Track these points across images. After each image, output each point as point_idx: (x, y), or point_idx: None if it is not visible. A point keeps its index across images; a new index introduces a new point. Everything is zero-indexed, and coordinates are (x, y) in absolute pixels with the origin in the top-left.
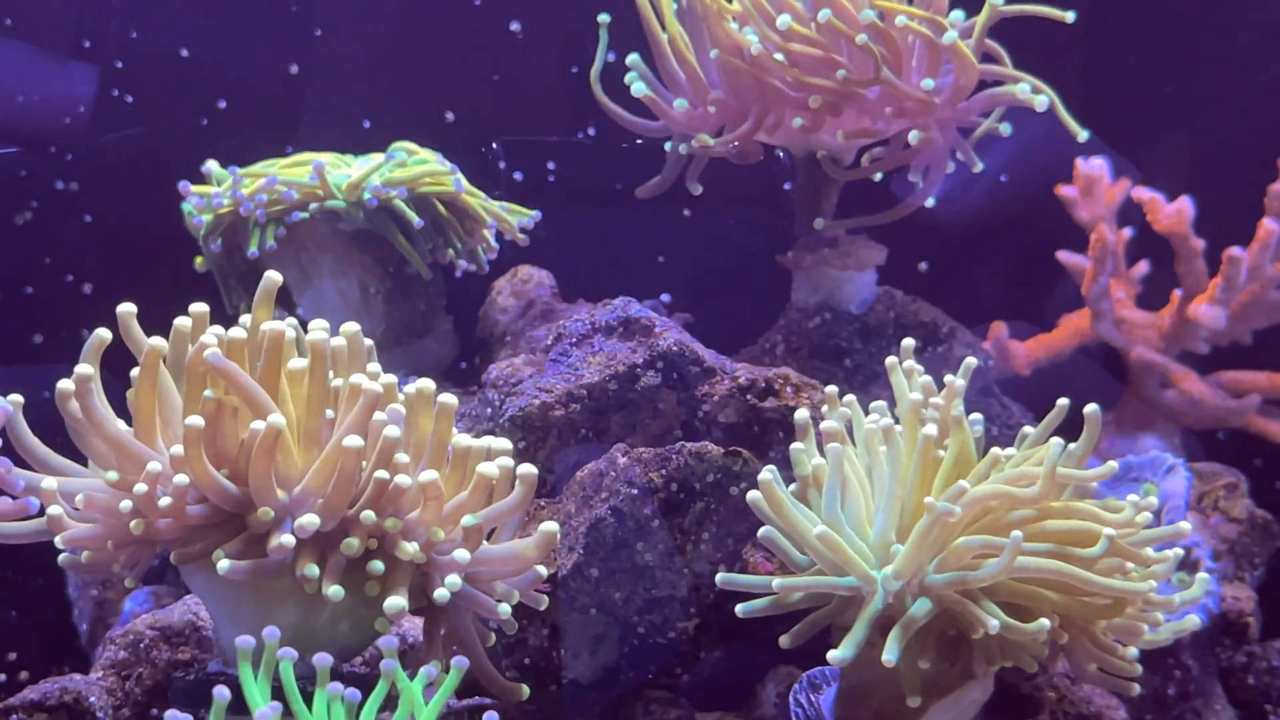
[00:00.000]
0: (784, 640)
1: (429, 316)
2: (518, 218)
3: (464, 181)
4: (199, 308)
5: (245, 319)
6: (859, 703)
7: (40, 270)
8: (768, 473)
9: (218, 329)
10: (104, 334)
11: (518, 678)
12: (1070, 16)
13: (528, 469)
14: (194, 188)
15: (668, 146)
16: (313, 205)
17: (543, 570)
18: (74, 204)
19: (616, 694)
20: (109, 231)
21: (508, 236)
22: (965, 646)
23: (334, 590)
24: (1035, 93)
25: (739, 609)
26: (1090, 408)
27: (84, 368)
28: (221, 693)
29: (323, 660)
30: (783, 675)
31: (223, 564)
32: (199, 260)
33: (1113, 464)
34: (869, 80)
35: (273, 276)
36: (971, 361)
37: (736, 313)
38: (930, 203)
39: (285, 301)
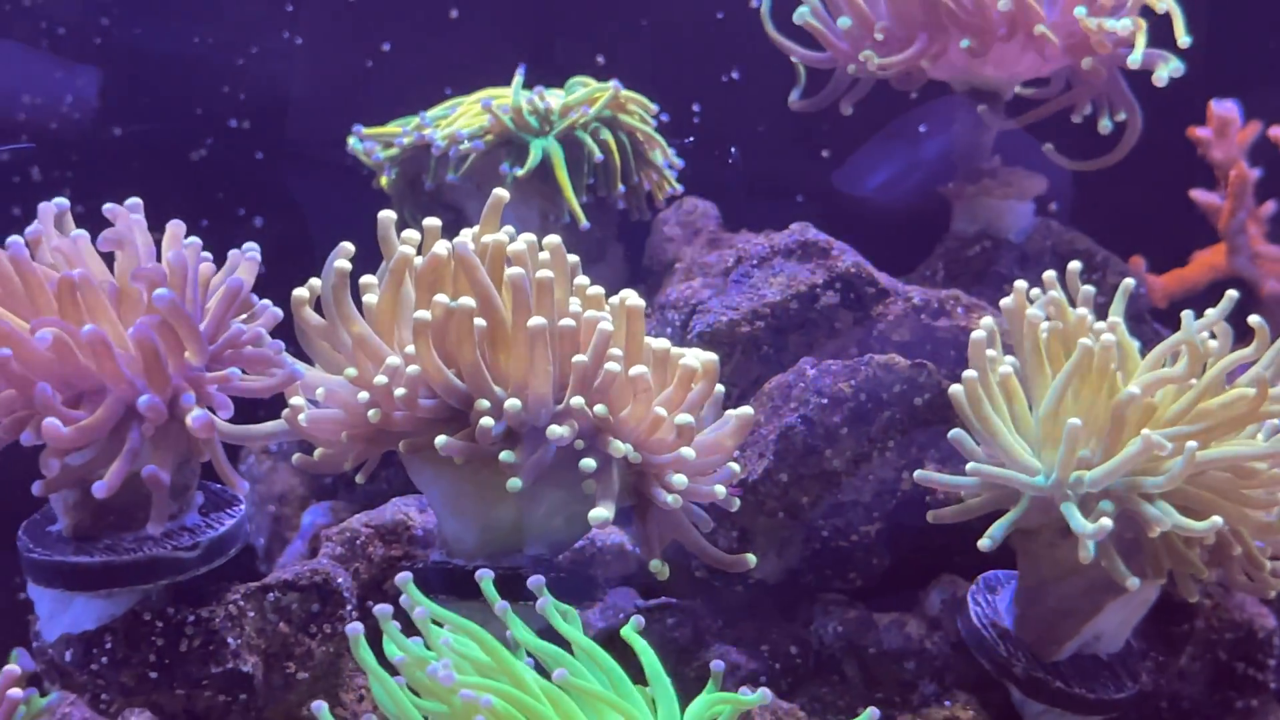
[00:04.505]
0: (983, 542)
1: (603, 244)
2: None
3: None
4: (431, 221)
5: (467, 232)
6: (1036, 601)
7: (214, 205)
8: (973, 371)
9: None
10: (348, 245)
11: (706, 577)
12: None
13: (707, 357)
14: (366, 130)
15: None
16: (517, 170)
17: (736, 467)
18: (247, 142)
19: (797, 596)
20: (279, 168)
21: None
22: (1137, 550)
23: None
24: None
25: (930, 515)
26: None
27: (341, 264)
28: (485, 573)
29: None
30: (946, 583)
31: (439, 439)
32: (383, 180)
33: None
34: None
35: (500, 193)
36: (1129, 283)
37: None
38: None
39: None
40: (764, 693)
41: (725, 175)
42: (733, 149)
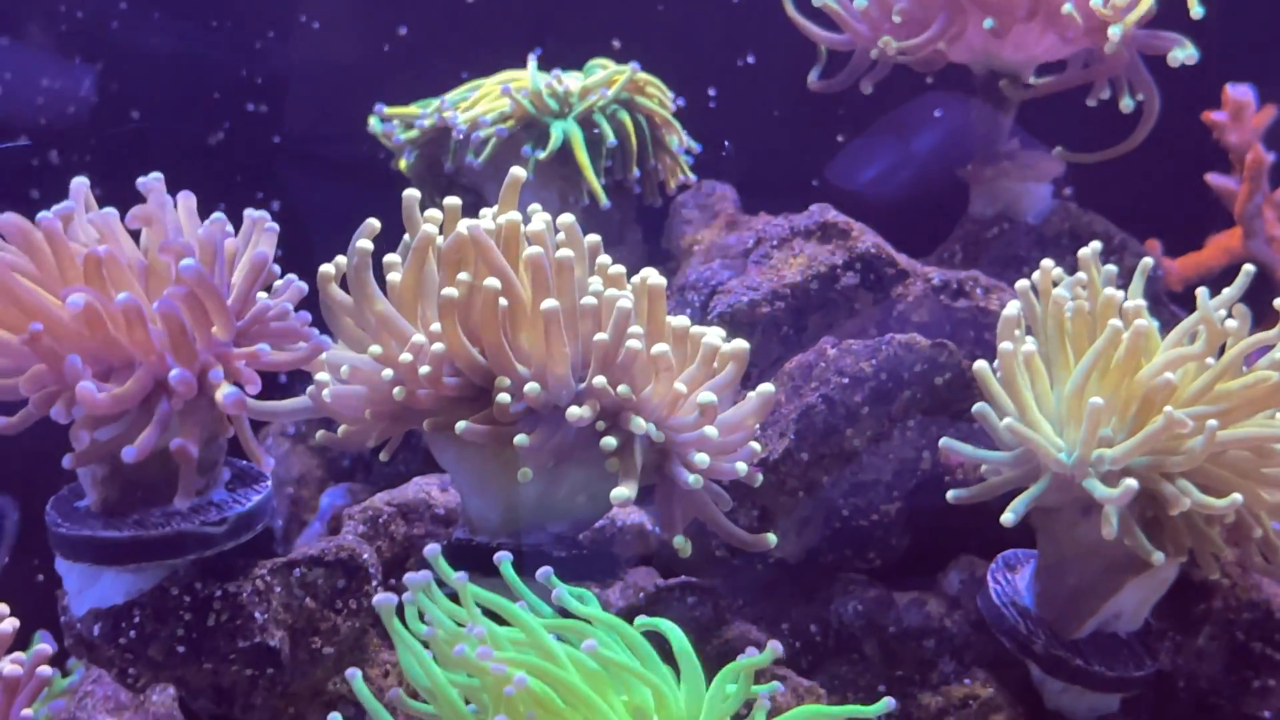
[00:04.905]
0: (1006, 517)
1: (621, 227)
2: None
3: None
4: (452, 201)
5: (486, 212)
6: (1056, 580)
7: (232, 189)
8: (1008, 343)
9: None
10: (374, 222)
11: (727, 556)
12: None
13: (738, 343)
14: (388, 109)
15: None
16: (539, 152)
17: (757, 446)
18: (265, 126)
19: (817, 575)
20: (294, 152)
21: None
22: (1158, 528)
23: (525, 471)
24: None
25: (950, 495)
26: None
27: (364, 243)
28: (504, 555)
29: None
30: (964, 564)
31: (460, 424)
32: (402, 163)
33: None
34: None
35: (517, 172)
36: (1148, 262)
37: None
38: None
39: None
40: (773, 646)
41: (720, 168)
42: (726, 143)
